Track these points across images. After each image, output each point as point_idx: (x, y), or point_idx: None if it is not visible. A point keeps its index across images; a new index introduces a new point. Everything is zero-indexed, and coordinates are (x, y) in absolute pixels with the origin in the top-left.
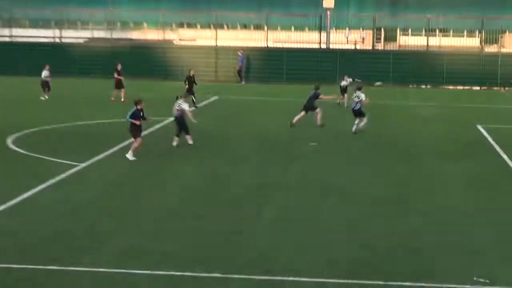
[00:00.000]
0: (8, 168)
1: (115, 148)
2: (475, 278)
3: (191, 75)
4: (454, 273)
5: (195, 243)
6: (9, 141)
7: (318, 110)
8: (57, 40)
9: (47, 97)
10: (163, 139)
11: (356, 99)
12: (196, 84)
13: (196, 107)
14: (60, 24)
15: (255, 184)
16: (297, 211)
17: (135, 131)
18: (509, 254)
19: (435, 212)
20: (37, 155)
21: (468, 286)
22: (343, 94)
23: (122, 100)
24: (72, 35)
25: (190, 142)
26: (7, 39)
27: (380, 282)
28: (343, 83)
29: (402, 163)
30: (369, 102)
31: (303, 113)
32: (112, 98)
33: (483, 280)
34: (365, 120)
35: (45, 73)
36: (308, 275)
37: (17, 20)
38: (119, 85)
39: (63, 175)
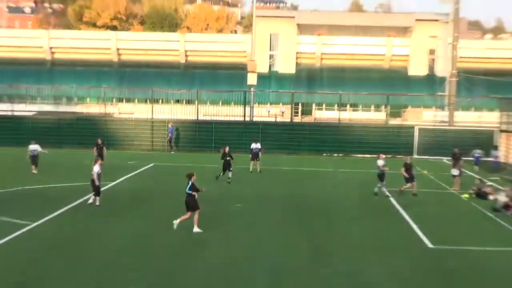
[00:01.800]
0: None
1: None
2: None
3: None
4: None
5: None
6: None
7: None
8: (9, 113)
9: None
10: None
11: None
12: (232, 158)
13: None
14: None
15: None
16: (222, 269)
17: (194, 202)
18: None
19: (347, 266)
20: None
21: None
22: (255, 159)
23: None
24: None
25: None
26: None
27: None
28: (254, 147)
29: (318, 223)
30: None
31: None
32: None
33: None
34: None
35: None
36: None
37: None
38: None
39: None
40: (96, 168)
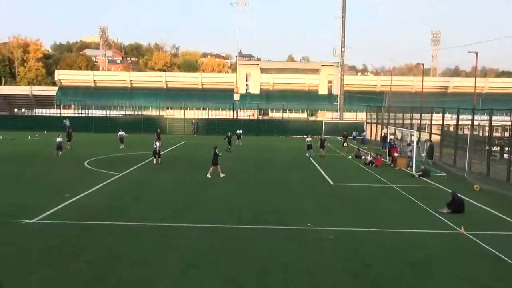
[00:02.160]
0: (85, 175)
1: (135, 166)
2: (305, 224)
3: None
4: (296, 222)
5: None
6: (85, 163)
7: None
8: (107, 115)
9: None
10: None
11: None
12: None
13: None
14: (109, 107)
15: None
16: (223, 196)
17: (217, 160)
18: (320, 212)
19: (286, 194)
20: (96, 169)
21: (302, 227)
22: (238, 138)
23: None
24: (115, 113)
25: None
26: None
27: (260, 226)
28: (238, 132)
29: (271, 171)
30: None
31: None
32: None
33: (310, 225)
34: None
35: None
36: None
37: None
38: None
39: (111, 178)
40: (158, 144)
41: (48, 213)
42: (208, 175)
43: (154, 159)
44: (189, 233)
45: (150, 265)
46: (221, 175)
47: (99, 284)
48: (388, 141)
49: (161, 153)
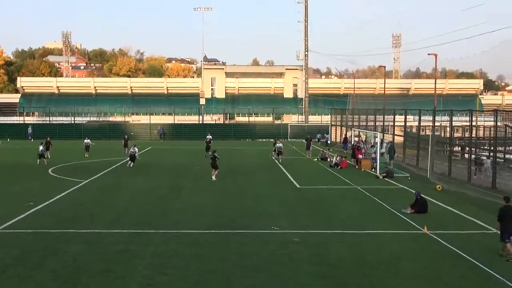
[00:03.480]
0: (50, 183)
1: (100, 173)
2: (272, 227)
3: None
4: (263, 226)
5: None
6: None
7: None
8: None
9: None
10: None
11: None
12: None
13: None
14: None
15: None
16: (191, 202)
17: (215, 164)
18: (287, 215)
19: (255, 197)
20: (61, 177)
21: (268, 231)
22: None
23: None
24: (79, 119)
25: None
26: None
27: (227, 231)
28: (208, 137)
29: (239, 176)
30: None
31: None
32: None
33: (276, 228)
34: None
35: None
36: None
37: None
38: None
39: (76, 185)
40: (136, 148)
41: (10, 222)
42: (213, 177)
43: (130, 162)
44: (156, 240)
45: (116, 273)
46: (214, 179)
47: None
48: (348, 142)
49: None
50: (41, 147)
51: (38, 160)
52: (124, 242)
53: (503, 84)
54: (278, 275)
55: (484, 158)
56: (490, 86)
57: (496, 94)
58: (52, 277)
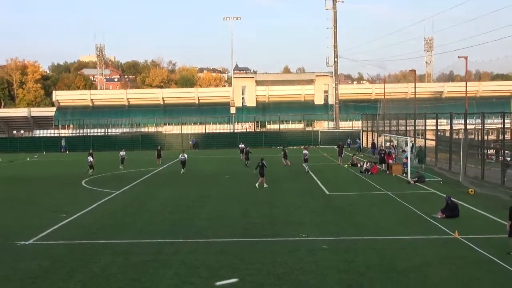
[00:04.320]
0: (82, 195)
1: (132, 184)
2: (301, 234)
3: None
4: (291, 234)
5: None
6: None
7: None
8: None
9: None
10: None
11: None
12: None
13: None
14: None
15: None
16: (219, 210)
17: (263, 171)
18: (315, 222)
19: (282, 205)
20: (94, 188)
21: (297, 238)
22: (242, 153)
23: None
24: (113, 131)
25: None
26: None
27: (254, 239)
28: (241, 146)
29: (270, 183)
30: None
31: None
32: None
33: (305, 235)
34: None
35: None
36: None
37: None
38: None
39: (107, 197)
40: (185, 155)
41: (43, 234)
42: (256, 185)
43: (182, 169)
44: (183, 249)
45: (142, 283)
46: (265, 185)
47: None
48: (376, 147)
49: (162, 167)
50: (90, 158)
51: (90, 171)
52: (152, 252)
53: None
54: (304, 283)
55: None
56: None
57: None
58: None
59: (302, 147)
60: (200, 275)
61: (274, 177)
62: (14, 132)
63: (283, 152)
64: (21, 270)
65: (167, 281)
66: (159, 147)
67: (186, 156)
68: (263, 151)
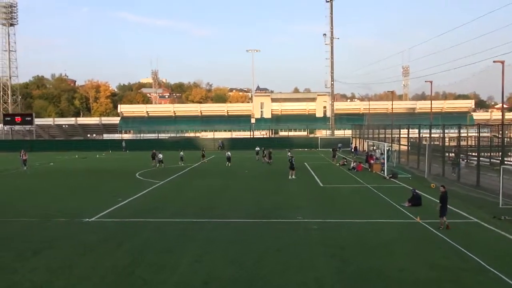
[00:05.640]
0: (135, 184)
1: (175, 175)
2: (297, 217)
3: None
4: (289, 216)
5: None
6: (137, 174)
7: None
8: (156, 137)
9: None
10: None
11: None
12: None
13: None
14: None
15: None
16: (237, 197)
17: (293, 166)
18: (313, 207)
19: (285, 194)
20: (145, 179)
21: (294, 220)
22: (257, 154)
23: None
24: (163, 135)
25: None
26: None
27: (262, 220)
28: (257, 149)
29: (278, 176)
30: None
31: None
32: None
33: (301, 217)
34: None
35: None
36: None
37: None
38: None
39: (154, 185)
40: (229, 153)
41: (103, 213)
42: (290, 177)
43: (227, 163)
44: (207, 226)
45: (173, 252)
46: (293, 177)
47: (133, 267)
48: (358, 150)
49: (205, 159)
50: (181, 153)
51: (180, 162)
52: (182, 228)
53: (492, 103)
54: (298, 254)
55: (461, 160)
56: (482, 105)
57: (487, 111)
58: (126, 254)
59: (287, 149)
60: (219, 246)
61: (281, 172)
62: (88, 135)
63: (268, 152)
64: (84, 240)
65: (192, 251)
66: (203, 148)
67: (230, 153)
68: (275, 152)
